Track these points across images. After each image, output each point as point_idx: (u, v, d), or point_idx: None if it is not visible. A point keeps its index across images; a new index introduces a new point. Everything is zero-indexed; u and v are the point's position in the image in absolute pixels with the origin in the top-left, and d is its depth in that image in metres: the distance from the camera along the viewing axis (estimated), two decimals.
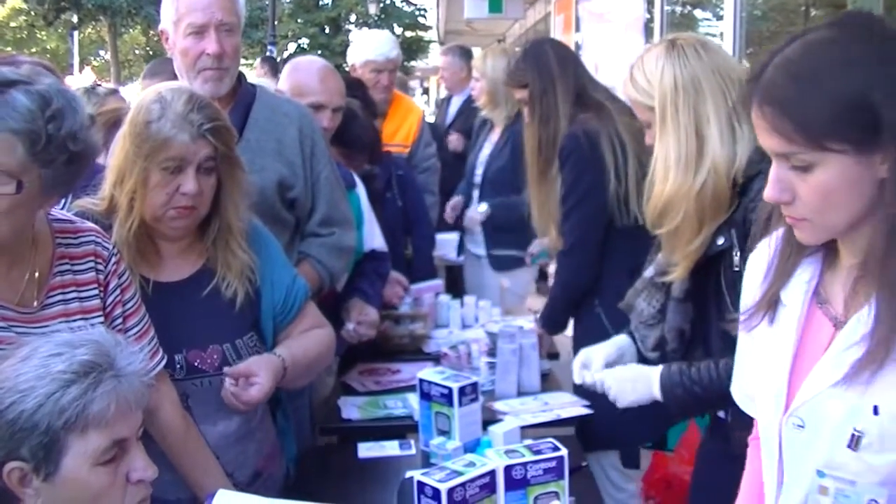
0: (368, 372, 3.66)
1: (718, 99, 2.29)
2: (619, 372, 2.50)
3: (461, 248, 5.31)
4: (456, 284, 5.18)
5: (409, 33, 33.25)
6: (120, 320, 2.11)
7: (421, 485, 2.12)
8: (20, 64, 2.40)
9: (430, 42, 34.57)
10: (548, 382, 3.51)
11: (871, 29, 1.48)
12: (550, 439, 2.33)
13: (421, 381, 2.76)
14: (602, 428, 3.15)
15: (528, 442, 2.35)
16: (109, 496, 1.70)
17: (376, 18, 30.62)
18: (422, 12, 34.22)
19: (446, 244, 5.17)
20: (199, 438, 2.29)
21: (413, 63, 31.98)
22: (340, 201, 3.23)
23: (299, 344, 2.52)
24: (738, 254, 2.22)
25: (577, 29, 9.55)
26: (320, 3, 33.64)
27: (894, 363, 1.45)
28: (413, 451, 2.87)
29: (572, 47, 8.38)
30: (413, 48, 32.47)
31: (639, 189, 2.91)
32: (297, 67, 3.68)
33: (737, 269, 2.21)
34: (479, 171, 5.17)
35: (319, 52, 27.82)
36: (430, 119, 6.69)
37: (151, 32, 31.99)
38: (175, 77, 2.95)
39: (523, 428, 2.78)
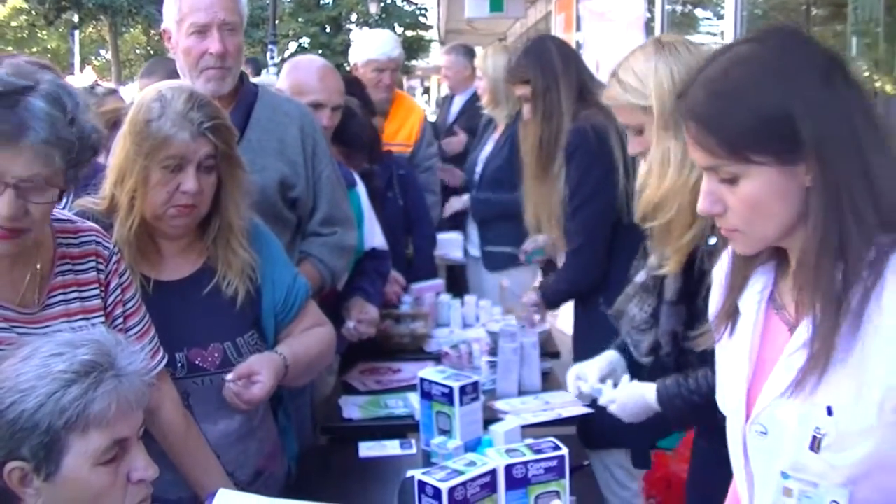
0: (369, 371, 3.66)
1: None
2: (617, 394, 2.50)
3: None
4: (457, 284, 5.18)
5: (409, 33, 33.21)
6: (121, 320, 2.11)
7: (422, 484, 2.12)
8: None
9: (430, 41, 34.55)
10: (548, 381, 3.51)
11: (791, 43, 1.53)
12: (551, 438, 2.33)
13: (422, 380, 2.76)
14: (608, 426, 3.14)
15: (529, 441, 2.35)
16: (110, 496, 1.70)
17: (377, 18, 30.60)
18: (422, 11, 34.21)
19: (448, 243, 5.17)
20: (200, 438, 2.29)
21: (414, 62, 31.98)
22: (342, 200, 3.23)
23: (300, 342, 2.52)
24: None
25: (578, 28, 9.56)
26: (321, 2, 33.64)
27: (842, 363, 1.47)
28: (414, 450, 2.87)
29: (573, 46, 8.38)
30: (414, 47, 32.42)
31: None
32: (296, 66, 3.69)
33: None
34: (479, 169, 5.17)
35: (320, 51, 27.81)
36: (432, 118, 6.68)
37: (152, 32, 31.97)
38: (172, 76, 2.96)
39: (524, 427, 2.77)
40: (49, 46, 36.76)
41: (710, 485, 2.06)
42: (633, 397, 2.47)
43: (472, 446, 2.61)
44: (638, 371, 2.62)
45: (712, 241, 2.26)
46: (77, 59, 32.87)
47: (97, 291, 2.06)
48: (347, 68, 5.45)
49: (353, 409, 3.25)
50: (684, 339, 2.42)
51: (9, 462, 1.64)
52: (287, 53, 28.38)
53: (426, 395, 2.74)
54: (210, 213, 2.38)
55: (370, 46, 5.09)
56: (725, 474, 1.88)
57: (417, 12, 34.42)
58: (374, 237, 3.73)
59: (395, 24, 31.79)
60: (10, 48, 33.35)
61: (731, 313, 1.71)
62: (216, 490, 2.00)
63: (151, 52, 32.78)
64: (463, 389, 2.67)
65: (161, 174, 2.25)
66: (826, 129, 1.45)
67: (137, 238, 2.32)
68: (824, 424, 1.49)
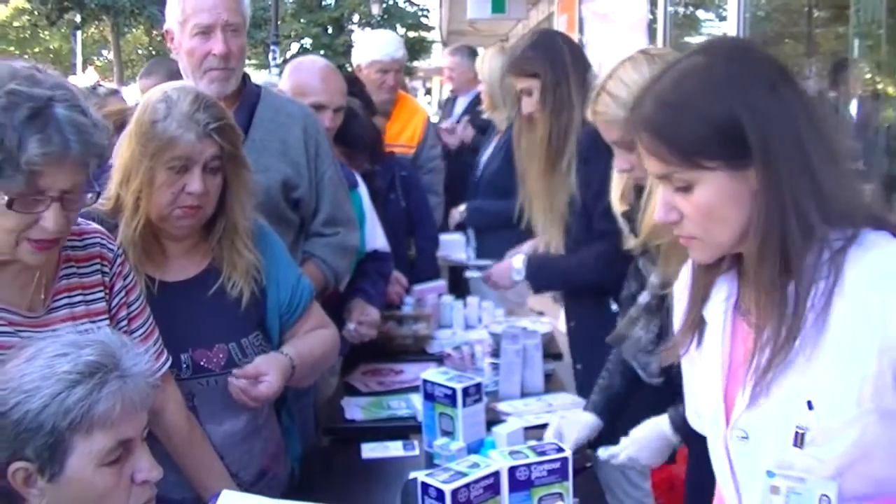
0: (372, 372, 3.66)
1: None
2: (634, 434, 2.50)
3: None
4: (459, 285, 5.18)
5: (411, 34, 33.19)
6: (125, 322, 2.11)
7: (425, 486, 2.12)
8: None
9: (432, 42, 34.53)
10: (551, 383, 3.51)
11: (736, 54, 1.60)
12: (554, 440, 2.33)
13: (425, 381, 2.76)
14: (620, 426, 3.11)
15: (532, 443, 2.35)
16: (114, 497, 1.70)
17: (379, 19, 30.58)
18: (424, 13, 34.19)
19: (451, 245, 5.17)
20: (204, 439, 2.29)
21: (416, 63, 31.96)
22: (344, 201, 3.23)
23: (305, 343, 2.52)
24: None
25: (581, 29, 9.55)
26: (323, 3, 33.63)
27: (816, 358, 1.53)
28: (416, 451, 2.87)
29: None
30: (416, 48, 32.40)
31: None
32: (298, 67, 3.69)
33: None
34: (478, 172, 5.17)
35: (322, 52, 27.78)
36: (434, 119, 6.68)
37: (154, 32, 31.99)
38: (172, 76, 2.96)
39: (527, 429, 2.78)
40: (51, 47, 36.79)
41: (707, 485, 2.07)
42: (653, 433, 2.45)
43: (475, 448, 2.61)
44: (638, 394, 2.62)
45: None
46: (79, 60, 32.88)
47: (102, 294, 2.06)
48: (349, 69, 5.44)
49: (356, 410, 3.25)
50: None
51: (13, 462, 1.64)
52: (289, 54, 28.38)
53: (429, 397, 2.74)
54: (215, 214, 2.38)
55: (373, 47, 5.08)
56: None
57: (419, 13, 34.41)
58: (376, 238, 3.73)
59: (397, 25, 31.76)
60: (12, 48, 33.44)
61: (696, 325, 1.75)
62: (220, 491, 2.00)
63: (153, 52, 32.76)
64: (466, 391, 2.66)
65: (167, 175, 2.25)
66: (771, 133, 1.51)
67: (142, 239, 2.32)
68: (806, 420, 1.54)
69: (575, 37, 9.32)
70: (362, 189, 3.71)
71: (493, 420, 2.91)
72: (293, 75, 3.63)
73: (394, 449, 2.91)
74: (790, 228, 1.52)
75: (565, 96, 3.50)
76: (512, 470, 2.19)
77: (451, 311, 4.28)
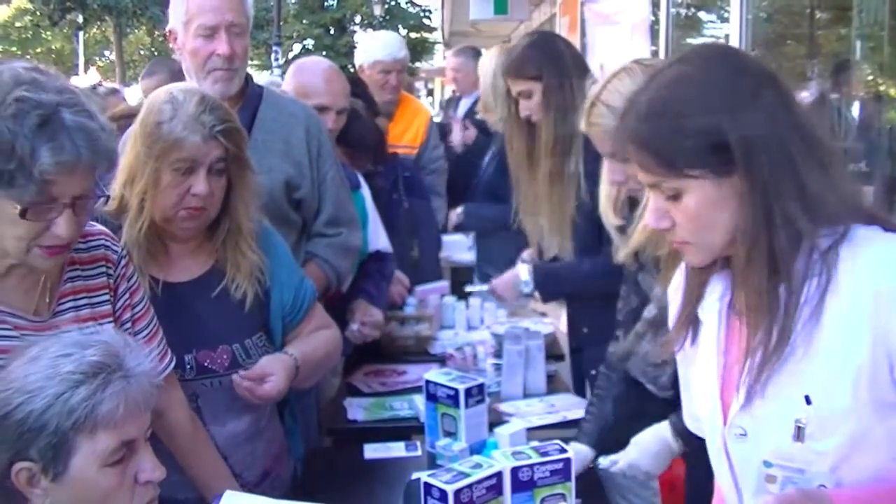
0: (374, 373, 3.66)
1: None
2: (637, 440, 2.50)
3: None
4: (462, 286, 5.17)
5: (413, 34, 33.19)
6: (129, 324, 2.10)
7: (428, 486, 2.12)
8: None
9: (435, 43, 34.53)
10: (553, 384, 3.51)
11: (716, 62, 1.62)
12: (557, 441, 2.33)
13: (427, 382, 2.76)
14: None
15: (535, 443, 2.35)
16: (117, 497, 1.70)
17: (381, 20, 30.59)
18: (427, 13, 34.19)
19: (453, 245, 5.17)
20: (208, 440, 2.30)
21: (418, 64, 31.96)
22: (346, 201, 3.24)
23: (309, 343, 2.53)
24: None
25: (583, 31, 9.54)
26: (325, 4, 33.63)
27: (812, 352, 1.56)
28: (419, 452, 2.87)
29: (578, 49, 8.36)
30: (418, 49, 32.39)
31: None
32: (301, 68, 3.68)
33: None
34: (480, 173, 5.17)
35: (324, 53, 27.80)
36: (437, 119, 6.67)
37: (156, 33, 31.98)
38: (174, 76, 2.96)
39: (529, 430, 2.78)
40: (53, 47, 36.82)
41: (706, 488, 2.08)
42: (654, 439, 2.45)
43: (478, 449, 2.61)
44: (649, 406, 2.62)
45: None
46: (81, 60, 32.88)
47: (107, 297, 2.06)
48: (352, 70, 5.44)
49: (358, 410, 3.26)
50: None
51: (17, 462, 1.64)
52: (291, 55, 28.38)
53: (431, 397, 2.74)
54: (219, 216, 2.39)
55: (376, 48, 5.08)
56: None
57: (421, 14, 34.40)
58: (379, 239, 3.73)
59: (399, 26, 31.76)
60: (14, 49, 33.46)
61: (689, 323, 1.77)
62: (223, 491, 2.00)
63: (156, 52, 32.77)
64: (468, 391, 2.67)
65: (172, 176, 2.25)
66: (753, 140, 1.54)
67: (147, 240, 2.32)
68: (804, 414, 1.57)
69: (577, 38, 9.32)
70: (365, 190, 3.71)
71: (496, 421, 2.91)
72: (296, 76, 3.63)
73: (396, 449, 2.91)
74: (777, 232, 1.55)
75: (569, 98, 3.42)
76: (514, 470, 2.19)
77: (454, 312, 4.28)
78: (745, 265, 1.60)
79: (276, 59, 21.36)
